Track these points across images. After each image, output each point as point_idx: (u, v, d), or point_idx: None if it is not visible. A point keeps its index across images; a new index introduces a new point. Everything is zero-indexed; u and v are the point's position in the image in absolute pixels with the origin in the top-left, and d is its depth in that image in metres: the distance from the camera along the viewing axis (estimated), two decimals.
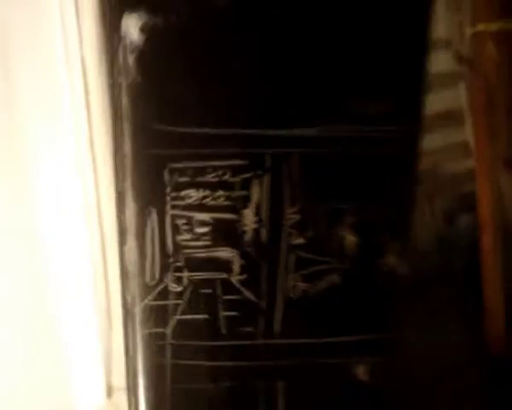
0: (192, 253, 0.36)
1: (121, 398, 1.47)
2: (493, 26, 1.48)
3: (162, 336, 0.37)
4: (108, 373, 1.45)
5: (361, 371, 0.39)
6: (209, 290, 0.36)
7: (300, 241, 0.36)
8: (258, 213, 0.35)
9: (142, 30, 0.32)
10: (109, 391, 1.46)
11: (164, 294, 0.36)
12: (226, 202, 0.35)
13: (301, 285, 0.37)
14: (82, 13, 1.02)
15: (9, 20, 1.13)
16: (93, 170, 1.19)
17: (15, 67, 1.12)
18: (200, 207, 0.35)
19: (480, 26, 1.53)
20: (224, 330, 0.37)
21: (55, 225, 1.20)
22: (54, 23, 1.14)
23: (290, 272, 0.37)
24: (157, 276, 0.36)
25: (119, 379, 1.42)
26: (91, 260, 1.22)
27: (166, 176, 0.34)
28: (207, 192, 0.35)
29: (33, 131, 1.16)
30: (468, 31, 1.48)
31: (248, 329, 0.37)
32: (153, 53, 0.32)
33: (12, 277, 1.25)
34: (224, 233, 0.36)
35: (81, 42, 1.12)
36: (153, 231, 0.35)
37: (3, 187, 1.15)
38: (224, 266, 0.36)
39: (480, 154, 1.56)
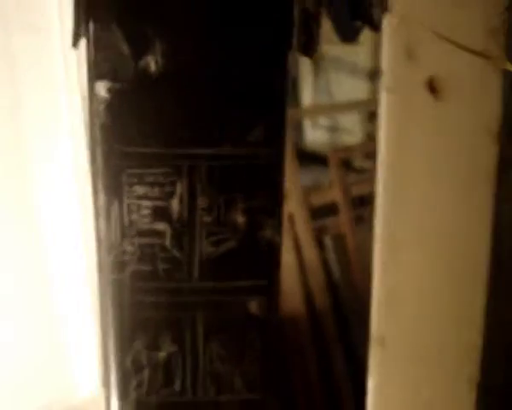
0: (140, 226, 0.59)
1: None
2: None
3: (121, 280, 0.59)
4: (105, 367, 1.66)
5: (253, 307, 0.61)
6: (151, 250, 0.59)
7: (208, 219, 0.59)
8: (181, 201, 0.59)
9: (108, 90, 0.55)
10: (104, 380, 1.68)
11: (122, 253, 0.59)
12: (160, 195, 0.58)
13: (210, 249, 0.60)
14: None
15: (18, 49, 1.40)
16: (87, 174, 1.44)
17: (23, 90, 1.38)
18: (145, 197, 0.58)
19: None
20: (161, 276, 0.60)
21: (54, 223, 1.44)
22: (56, 53, 1.41)
23: (202, 240, 0.60)
24: (118, 242, 0.59)
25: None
26: (86, 255, 1.46)
27: (124, 178, 0.57)
28: (148, 189, 0.58)
29: (37, 142, 1.41)
30: None
31: (176, 275, 0.60)
32: (114, 104, 0.56)
33: (15, 273, 1.48)
34: (160, 214, 0.59)
35: (79, 69, 1.38)
36: (115, 213, 0.58)
37: (9, 187, 1.40)
38: (160, 234, 0.59)
39: None
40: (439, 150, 0.56)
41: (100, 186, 0.58)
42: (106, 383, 0.67)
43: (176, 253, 0.59)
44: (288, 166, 0.57)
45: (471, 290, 0.64)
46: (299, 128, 3.79)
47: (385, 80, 0.61)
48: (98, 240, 0.60)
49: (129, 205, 0.58)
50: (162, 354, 0.62)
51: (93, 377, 1.72)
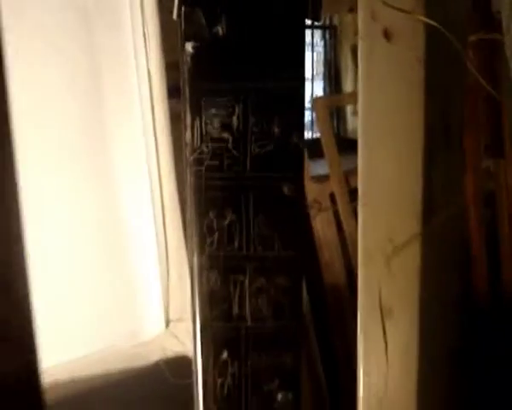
0: (212, 134, 0.95)
1: (176, 328, 2.09)
2: (472, 37, 2.06)
3: (200, 170, 0.96)
4: (166, 308, 2.07)
5: (286, 190, 0.97)
6: (219, 151, 0.96)
7: (256, 130, 0.95)
8: (238, 118, 0.95)
9: (193, 48, 0.92)
10: (167, 322, 2.09)
11: (201, 153, 0.96)
12: (225, 114, 0.94)
13: (257, 150, 0.96)
14: (147, 38, 1.72)
15: (99, 43, 1.81)
16: (156, 155, 1.86)
17: (103, 77, 1.80)
18: (215, 115, 0.94)
19: (472, 37, 2.11)
20: (225, 168, 0.96)
21: (132, 195, 1.83)
22: (128, 45, 1.83)
23: (252, 143, 0.96)
24: (198, 145, 0.96)
25: (174, 313, 2.04)
26: (155, 221, 1.85)
27: (202, 103, 0.94)
28: (218, 110, 0.94)
29: (114, 124, 1.81)
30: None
31: (235, 168, 0.96)
32: (196, 56, 0.93)
33: (95, 223, 1.86)
34: (225, 126, 0.95)
35: (147, 59, 1.79)
36: (197, 126, 0.95)
37: (93, 163, 1.80)
38: (225, 140, 0.95)
39: (467, 142, 2.12)
40: (392, 72, 0.89)
41: (187, 109, 0.95)
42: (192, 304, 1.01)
43: (235, 152, 0.96)
44: (328, 152, 0.92)
45: None
46: (340, 116, 4.12)
47: (360, 33, 0.94)
48: (185, 145, 0.96)
49: (205, 121, 0.95)
50: (226, 222, 0.98)
51: (158, 321, 2.09)
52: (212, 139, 0.95)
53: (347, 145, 3.51)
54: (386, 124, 0.87)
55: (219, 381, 1.05)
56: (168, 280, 2.09)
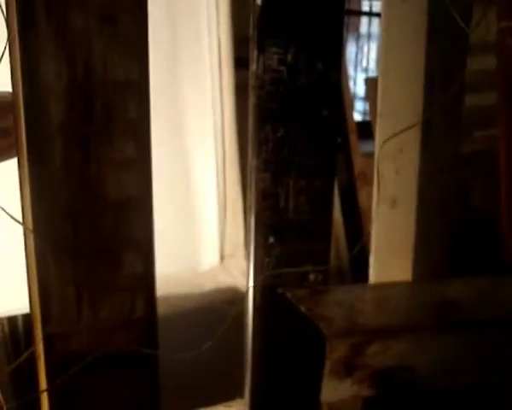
0: (271, 67, 1.34)
1: (229, 262, 2.51)
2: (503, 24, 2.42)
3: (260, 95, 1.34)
4: (222, 244, 2.49)
5: (325, 112, 1.34)
6: (277, 81, 1.34)
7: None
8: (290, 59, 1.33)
9: (261, 1, 1.32)
10: (222, 257, 2.51)
11: (263, 81, 1.34)
12: (280, 54, 1.33)
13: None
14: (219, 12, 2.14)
15: (178, 19, 2.24)
16: (220, 105, 2.27)
17: (181, 47, 2.22)
18: (274, 53, 1.33)
19: (503, 23, 2.51)
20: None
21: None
22: (203, 20, 2.26)
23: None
24: (261, 74, 1.35)
25: (228, 249, 2.46)
26: (217, 171, 2.25)
27: (266, 48, 1.33)
28: (276, 51, 1.33)
29: (187, 86, 2.23)
30: (495, 26, 2.46)
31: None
32: (263, 7, 1.32)
33: (163, 162, 2.27)
34: (280, 63, 1.34)
35: (218, 29, 2.21)
36: (261, 61, 1.34)
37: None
38: (281, 72, 1.34)
39: (502, 117, 2.49)
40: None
41: (254, 47, 1.33)
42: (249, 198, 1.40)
43: (288, 81, 1.33)
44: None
45: None
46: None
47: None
48: (250, 74, 1.35)
49: (267, 56, 1.33)
50: (278, 135, 1.36)
51: (213, 254, 2.49)
52: (272, 70, 1.34)
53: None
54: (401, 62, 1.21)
55: (266, 260, 1.43)
56: (224, 219, 2.48)
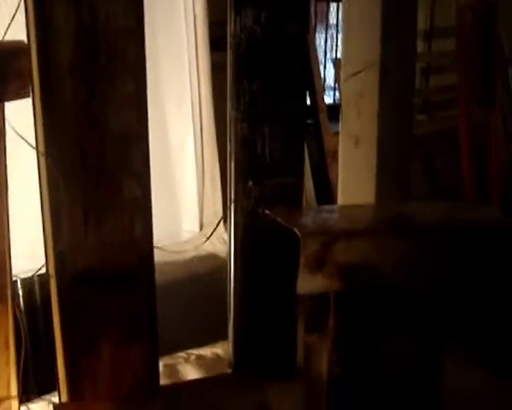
0: None
1: (208, 230, 2.70)
2: (471, 2, 2.76)
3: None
4: (201, 213, 2.69)
5: None
6: None
7: None
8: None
9: None
10: (201, 226, 2.71)
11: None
12: None
13: None
14: None
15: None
16: (197, 81, 2.46)
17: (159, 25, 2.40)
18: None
19: (462, 1, 2.84)
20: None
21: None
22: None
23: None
24: None
25: (207, 218, 2.66)
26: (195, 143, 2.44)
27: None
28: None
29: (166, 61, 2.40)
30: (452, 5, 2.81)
31: None
32: None
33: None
34: None
35: (194, 9, 2.41)
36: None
37: None
38: None
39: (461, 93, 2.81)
40: None
41: (232, 11, 1.53)
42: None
43: (262, 37, 1.54)
44: None
45: None
46: None
47: None
48: (228, 35, 1.55)
49: (243, 18, 1.53)
50: (254, 87, 1.56)
51: (194, 223, 2.68)
52: (247, 29, 1.54)
53: None
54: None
55: (245, 201, 1.63)
56: (203, 189, 2.67)
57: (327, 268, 1.12)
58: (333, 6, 4.75)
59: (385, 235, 1.15)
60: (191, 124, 2.54)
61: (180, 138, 2.58)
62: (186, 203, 2.70)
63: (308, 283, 1.12)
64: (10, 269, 1.18)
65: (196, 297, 2.68)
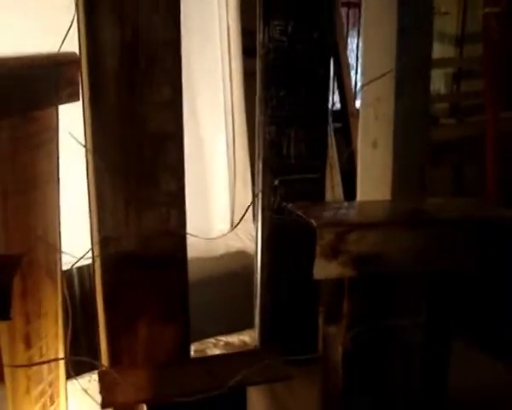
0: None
1: (238, 228, 2.85)
2: (496, 9, 2.91)
3: None
4: (232, 213, 2.85)
5: (321, 72, 1.69)
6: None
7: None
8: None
9: None
10: (232, 223, 2.87)
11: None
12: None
13: None
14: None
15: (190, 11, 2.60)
16: (230, 89, 2.63)
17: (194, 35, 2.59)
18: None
19: (487, 9, 3.00)
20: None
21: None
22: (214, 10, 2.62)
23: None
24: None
25: (238, 217, 2.81)
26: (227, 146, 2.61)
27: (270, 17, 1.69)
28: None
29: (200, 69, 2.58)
30: (481, 11, 2.99)
31: None
32: None
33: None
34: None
35: (228, 19, 2.57)
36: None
37: None
38: None
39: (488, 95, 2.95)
40: None
41: (260, 23, 1.68)
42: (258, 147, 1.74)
43: (288, 49, 1.69)
44: None
45: None
46: None
47: None
48: (258, 44, 1.70)
49: (271, 29, 1.68)
50: (281, 94, 1.71)
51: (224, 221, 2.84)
52: (275, 40, 1.69)
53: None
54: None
55: (272, 199, 1.78)
56: (234, 189, 2.82)
57: (341, 257, 1.26)
58: None
59: (395, 227, 1.28)
60: (224, 127, 2.70)
61: (213, 141, 2.74)
62: (218, 203, 2.86)
63: (323, 269, 1.26)
64: (60, 248, 1.35)
65: (227, 292, 2.83)
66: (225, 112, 2.79)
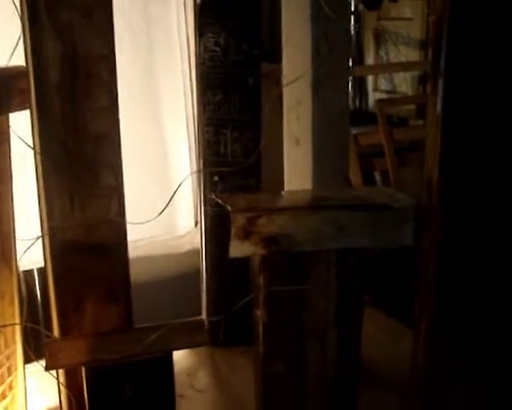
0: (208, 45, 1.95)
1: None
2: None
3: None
4: (196, 211, 3.10)
5: (251, 81, 1.94)
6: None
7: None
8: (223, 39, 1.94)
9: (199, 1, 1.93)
10: (196, 222, 3.13)
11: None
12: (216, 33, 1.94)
13: None
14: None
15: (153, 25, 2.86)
16: (192, 102, 2.85)
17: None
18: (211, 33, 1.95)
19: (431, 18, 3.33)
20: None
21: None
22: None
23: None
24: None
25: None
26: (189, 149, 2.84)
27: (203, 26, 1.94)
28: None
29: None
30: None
31: None
32: (201, 5, 1.93)
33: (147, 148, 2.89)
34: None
35: (187, 26, 2.82)
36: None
37: None
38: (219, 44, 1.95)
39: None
40: None
41: (196, 34, 1.93)
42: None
43: (222, 58, 1.93)
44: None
45: None
46: (363, 92, 5.08)
47: None
48: (194, 55, 1.95)
49: (206, 40, 1.93)
50: (217, 98, 1.95)
51: (189, 219, 3.08)
52: (210, 50, 1.94)
53: (368, 117, 4.47)
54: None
55: (212, 195, 2.02)
56: (199, 190, 3.07)
57: (252, 238, 1.50)
58: None
59: (298, 211, 1.53)
60: (186, 134, 2.95)
61: (176, 144, 2.99)
62: (182, 202, 3.10)
63: (238, 249, 1.51)
64: (14, 236, 1.59)
65: (192, 288, 3.06)
66: (187, 117, 3.04)
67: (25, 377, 1.74)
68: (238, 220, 1.49)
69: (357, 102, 5.14)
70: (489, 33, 1.37)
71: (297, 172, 1.87)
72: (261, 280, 1.57)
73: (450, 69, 1.43)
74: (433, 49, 1.50)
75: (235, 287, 2.11)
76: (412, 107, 4.55)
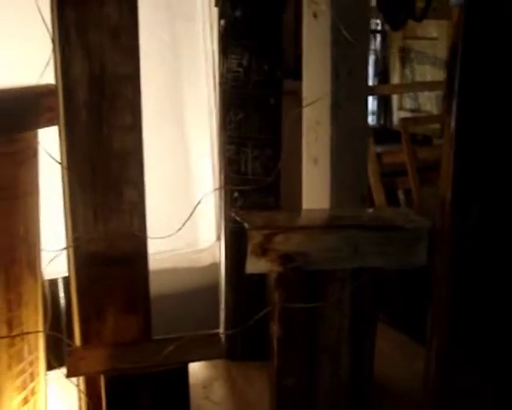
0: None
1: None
2: None
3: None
4: (217, 225, 3.17)
5: (271, 101, 2.00)
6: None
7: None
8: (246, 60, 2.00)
9: (224, 23, 2.00)
10: (218, 236, 3.19)
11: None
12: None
13: None
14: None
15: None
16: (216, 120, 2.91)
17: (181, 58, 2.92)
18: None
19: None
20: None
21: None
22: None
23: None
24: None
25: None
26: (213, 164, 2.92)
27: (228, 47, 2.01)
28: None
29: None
30: None
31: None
32: (225, 27, 2.00)
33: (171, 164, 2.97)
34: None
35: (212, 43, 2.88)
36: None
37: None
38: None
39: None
40: None
41: (221, 55, 1.99)
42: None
43: (244, 79, 2.00)
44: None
45: None
46: (388, 110, 5.12)
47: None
48: (219, 75, 2.02)
49: (229, 61, 1.99)
50: (238, 117, 2.02)
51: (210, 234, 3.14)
52: (232, 71, 2.00)
53: (393, 136, 4.50)
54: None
55: (232, 211, 2.08)
56: (220, 206, 3.14)
57: (269, 255, 1.56)
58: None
59: (314, 230, 1.58)
60: (210, 150, 3.02)
61: (199, 161, 3.06)
62: (204, 216, 3.16)
63: (254, 265, 1.56)
64: (39, 247, 1.67)
65: (213, 301, 3.12)
66: (211, 135, 3.11)
67: (46, 384, 1.80)
68: (255, 237, 1.55)
69: (382, 121, 5.17)
70: (499, 58, 1.42)
71: (315, 190, 1.93)
72: (276, 296, 1.62)
73: (464, 90, 1.48)
74: (448, 71, 1.55)
75: (254, 302, 2.15)
76: (437, 126, 4.57)
